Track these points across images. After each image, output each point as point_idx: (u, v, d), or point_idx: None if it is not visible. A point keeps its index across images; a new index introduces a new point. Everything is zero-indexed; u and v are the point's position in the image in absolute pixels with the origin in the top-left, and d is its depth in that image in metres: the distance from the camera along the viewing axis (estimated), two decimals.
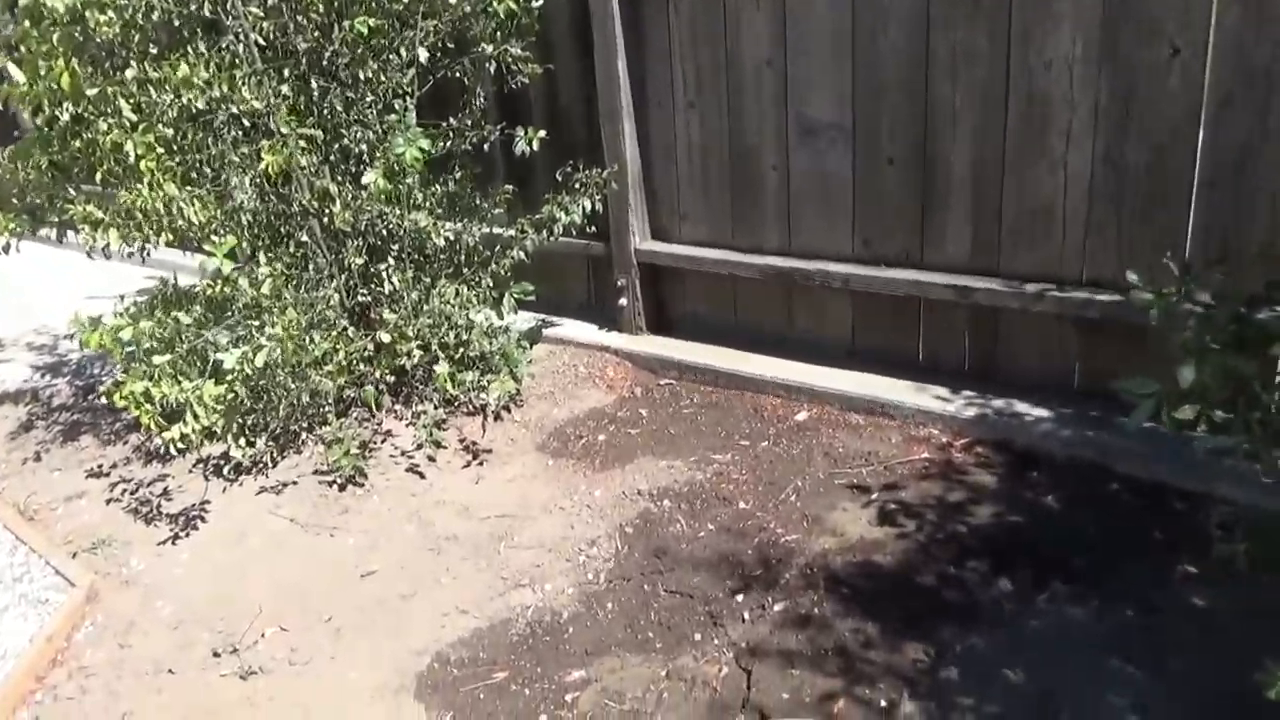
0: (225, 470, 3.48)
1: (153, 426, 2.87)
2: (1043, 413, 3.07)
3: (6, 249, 3.40)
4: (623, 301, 4.07)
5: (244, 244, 3.28)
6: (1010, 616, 2.35)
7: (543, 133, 3.56)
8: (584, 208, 3.64)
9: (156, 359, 2.90)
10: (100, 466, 3.67)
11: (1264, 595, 2.27)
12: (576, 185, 3.67)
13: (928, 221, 3.27)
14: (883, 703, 2.15)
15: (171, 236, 3.16)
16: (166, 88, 3.03)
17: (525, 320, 4.25)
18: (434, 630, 2.65)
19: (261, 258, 3.21)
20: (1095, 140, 2.86)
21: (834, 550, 2.69)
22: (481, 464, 3.45)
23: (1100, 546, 2.56)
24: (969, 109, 3.07)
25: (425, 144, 3.21)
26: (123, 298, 3.30)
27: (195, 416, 2.88)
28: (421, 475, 3.40)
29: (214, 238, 3.08)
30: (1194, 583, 2.40)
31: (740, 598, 2.57)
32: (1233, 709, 1.99)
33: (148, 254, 3.31)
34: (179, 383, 2.88)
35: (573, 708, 2.31)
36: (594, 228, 3.80)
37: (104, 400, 3.27)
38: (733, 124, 3.63)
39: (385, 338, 3.38)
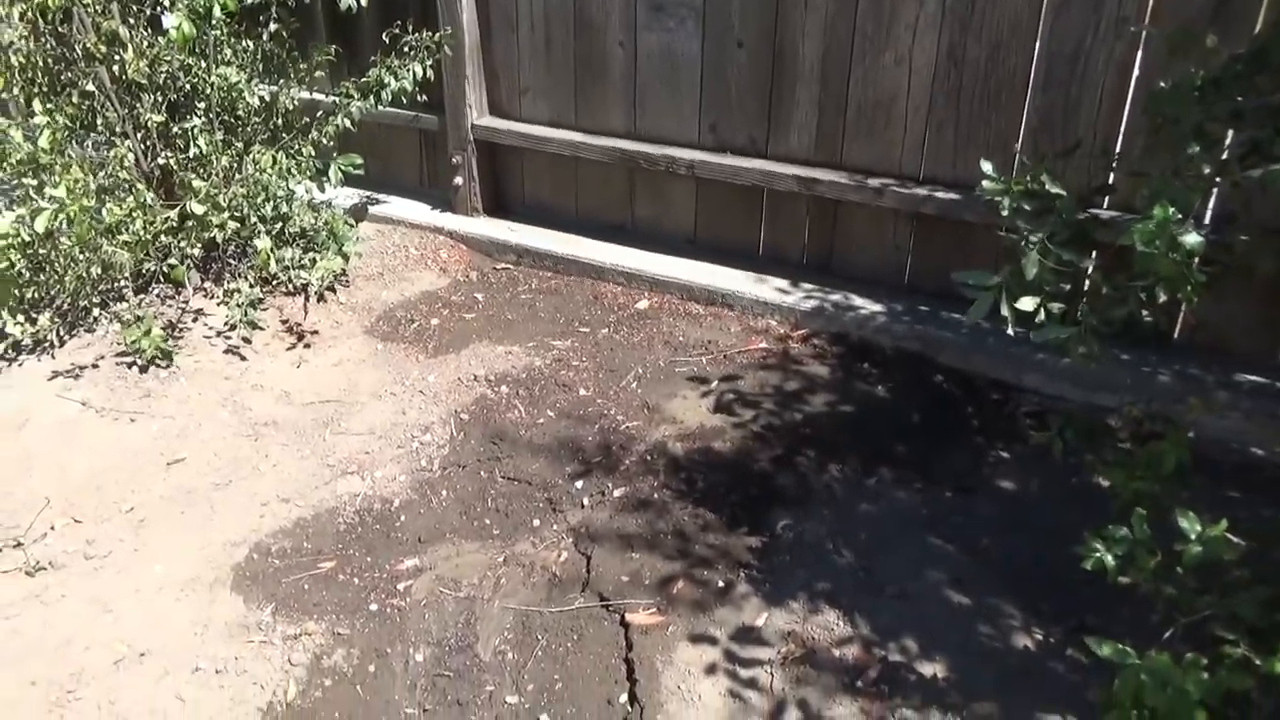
0: (2, 349, 3.08)
1: None
2: (876, 306, 3.14)
3: None
4: (458, 180, 3.84)
5: (15, 89, 2.83)
6: (840, 500, 2.43)
7: None
8: (415, 73, 3.37)
9: None
10: None
11: (1063, 478, 2.45)
12: (407, 49, 3.38)
13: (775, 110, 3.22)
14: (719, 584, 2.18)
15: None
16: None
17: (350, 196, 3.96)
18: (252, 520, 2.47)
19: (38, 105, 2.78)
20: (941, 34, 2.87)
21: (673, 437, 2.69)
22: (307, 346, 3.22)
23: (923, 433, 2.68)
24: None
25: None
26: None
27: None
28: (241, 357, 3.13)
29: None
30: (1004, 466, 2.56)
31: (580, 484, 2.53)
32: (1038, 579, 2.14)
33: None
34: None
35: (406, 596, 2.22)
36: (426, 96, 3.53)
37: None
38: None
39: (198, 208, 3.02)
